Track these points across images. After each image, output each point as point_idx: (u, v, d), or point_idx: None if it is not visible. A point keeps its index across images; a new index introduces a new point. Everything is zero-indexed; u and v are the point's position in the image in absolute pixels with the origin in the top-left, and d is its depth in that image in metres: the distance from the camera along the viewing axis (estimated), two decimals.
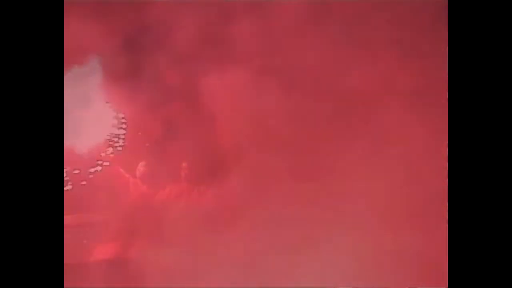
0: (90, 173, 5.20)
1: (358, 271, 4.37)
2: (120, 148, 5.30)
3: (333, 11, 4.71)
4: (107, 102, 5.25)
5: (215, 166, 4.96)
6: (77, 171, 5.10)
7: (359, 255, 4.40)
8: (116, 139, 5.33)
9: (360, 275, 4.37)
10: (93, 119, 5.22)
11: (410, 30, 4.62)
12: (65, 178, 5.04)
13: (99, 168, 5.22)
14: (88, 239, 5.10)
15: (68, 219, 4.73)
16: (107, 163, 5.26)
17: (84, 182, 5.13)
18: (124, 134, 5.30)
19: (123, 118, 5.27)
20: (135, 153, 5.31)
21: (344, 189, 4.51)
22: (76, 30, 4.87)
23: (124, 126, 5.28)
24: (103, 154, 5.28)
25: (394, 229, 4.41)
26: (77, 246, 4.98)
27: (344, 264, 4.39)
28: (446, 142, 3.40)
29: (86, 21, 4.98)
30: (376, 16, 4.66)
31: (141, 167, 5.36)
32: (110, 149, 5.32)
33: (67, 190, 4.99)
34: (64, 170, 4.91)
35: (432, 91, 4.43)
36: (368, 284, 4.35)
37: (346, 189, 4.51)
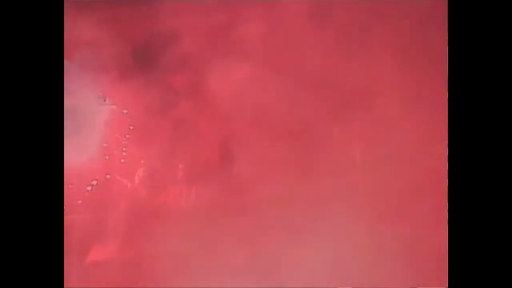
0: (87, 190, 5.15)
1: (355, 261, 4.44)
2: (123, 160, 5.26)
3: (335, 10, 4.75)
4: (112, 104, 5.21)
5: (220, 156, 4.97)
6: (70, 186, 5.04)
7: (357, 245, 4.47)
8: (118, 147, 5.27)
9: (357, 266, 4.43)
10: (95, 123, 5.19)
11: (411, 29, 4.65)
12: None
13: (94, 182, 5.16)
14: (88, 240, 5.09)
15: (68, 219, 4.73)
16: (108, 176, 5.22)
17: (79, 201, 5.11)
18: (128, 138, 5.26)
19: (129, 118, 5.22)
20: (137, 157, 5.28)
21: (342, 178, 4.57)
22: (80, 30, 4.91)
23: (131, 127, 5.22)
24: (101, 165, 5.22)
25: (393, 221, 4.44)
26: (77, 246, 4.98)
27: (343, 252, 4.46)
28: (446, 133, 3.41)
29: (91, 21, 5.01)
30: (378, 14, 4.70)
31: (140, 172, 5.33)
32: (107, 157, 5.26)
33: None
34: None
35: (432, 85, 4.45)
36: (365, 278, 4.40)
37: (344, 178, 4.56)
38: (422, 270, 4.33)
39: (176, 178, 5.14)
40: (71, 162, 4.82)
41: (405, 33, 4.66)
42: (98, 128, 5.13)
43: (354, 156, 4.64)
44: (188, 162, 5.06)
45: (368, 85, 4.66)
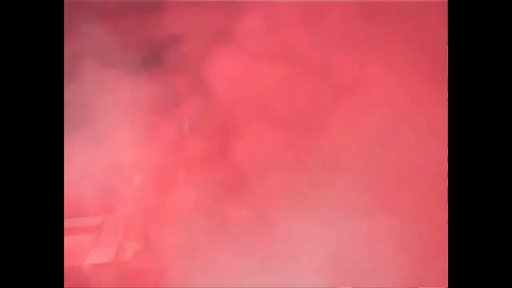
0: (88, 191, 5.14)
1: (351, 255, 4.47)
2: (125, 160, 5.24)
3: (333, 8, 4.79)
4: (116, 104, 5.20)
5: (221, 151, 4.98)
6: (71, 186, 5.02)
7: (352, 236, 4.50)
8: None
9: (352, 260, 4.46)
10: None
11: (411, 27, 4.68)
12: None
13: (96, 183, 5.15)
14: (88, 241, 5.09)
15: (68, 222, 4.73)
16: (110, 176, 5.21)
17: (80, 202, 5.10)
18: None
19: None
20: (138, 156, 5.28)
21: (340, 169, 4.60)
22: (83, 31, 4.96)
23: (135, 125, 5.21)
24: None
25: (392, 213, 4.46)
26: (77, 248, 4.98)
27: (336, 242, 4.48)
28: (445, 124, 3.42)
29: (94, 22, 5.05)
30: (378, 10, 4.73)
31: (142, 171, 5.32)
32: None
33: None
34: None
35: (431, 73, 4.48)
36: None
37: (343, 170, 4.59)
38: (422, 265, 4.33)
39: (177, 176, 5.15)
40: (71, 162, 4.83)
41: (405, 31, 4.68)
42: (101, 127, 5.13)
43: (353, 150, 4.65)
44: (190, 160, 5.08)
45: (366, 77, 4.69)
